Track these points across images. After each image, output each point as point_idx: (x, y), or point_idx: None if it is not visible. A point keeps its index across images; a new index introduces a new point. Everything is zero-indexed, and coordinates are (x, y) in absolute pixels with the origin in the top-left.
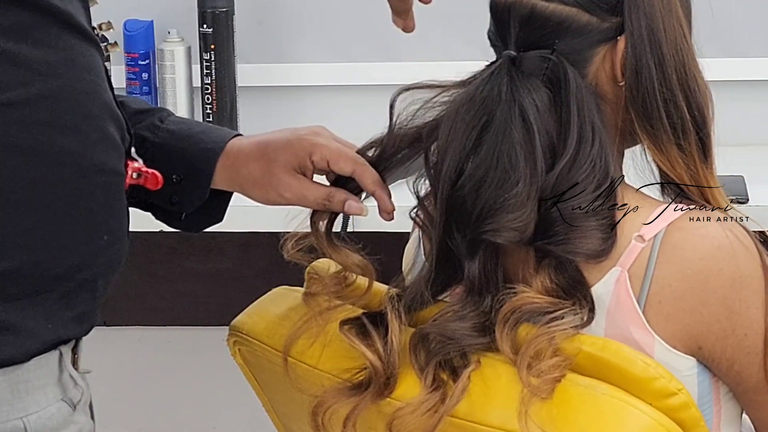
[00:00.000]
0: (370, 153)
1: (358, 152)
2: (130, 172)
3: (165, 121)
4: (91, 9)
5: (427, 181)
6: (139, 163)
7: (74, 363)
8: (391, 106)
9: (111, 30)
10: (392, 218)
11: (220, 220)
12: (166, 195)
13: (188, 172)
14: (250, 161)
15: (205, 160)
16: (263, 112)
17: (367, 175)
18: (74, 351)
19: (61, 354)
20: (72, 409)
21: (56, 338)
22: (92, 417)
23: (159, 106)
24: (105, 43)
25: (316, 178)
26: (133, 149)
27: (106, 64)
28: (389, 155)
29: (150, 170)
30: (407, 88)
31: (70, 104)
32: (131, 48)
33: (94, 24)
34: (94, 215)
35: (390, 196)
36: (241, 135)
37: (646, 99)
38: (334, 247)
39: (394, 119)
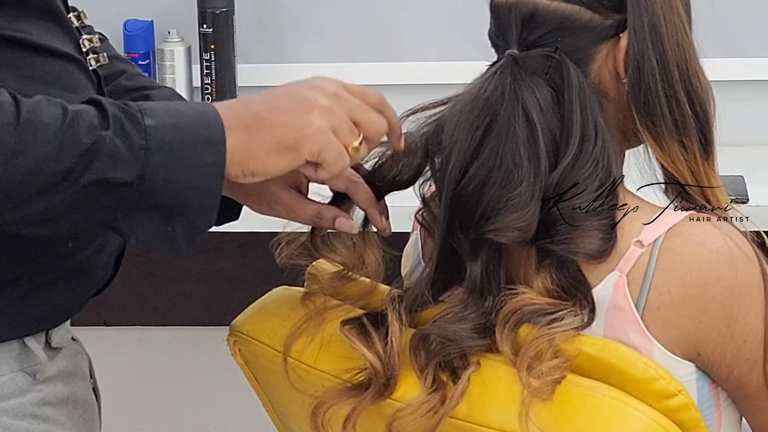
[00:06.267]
0: (368, 165)
1: (353, 166)
2: None
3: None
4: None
5: (431, 183)
6: None
7: (47, 339)
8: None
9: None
10: (389, 235)
11: (236, 218)
12: None
13: None
14: None
15: None
16: None
17: (360, 193)
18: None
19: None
20: (32, 379)
21: (7, 338)
22: (95, 393)
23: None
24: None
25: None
26: None
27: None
28: (389, 167)
29: None
30: (413, 112)
31: None
32: (131, 48)
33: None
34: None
35: (386, 216)
36: None
37: (648, 95)
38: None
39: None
